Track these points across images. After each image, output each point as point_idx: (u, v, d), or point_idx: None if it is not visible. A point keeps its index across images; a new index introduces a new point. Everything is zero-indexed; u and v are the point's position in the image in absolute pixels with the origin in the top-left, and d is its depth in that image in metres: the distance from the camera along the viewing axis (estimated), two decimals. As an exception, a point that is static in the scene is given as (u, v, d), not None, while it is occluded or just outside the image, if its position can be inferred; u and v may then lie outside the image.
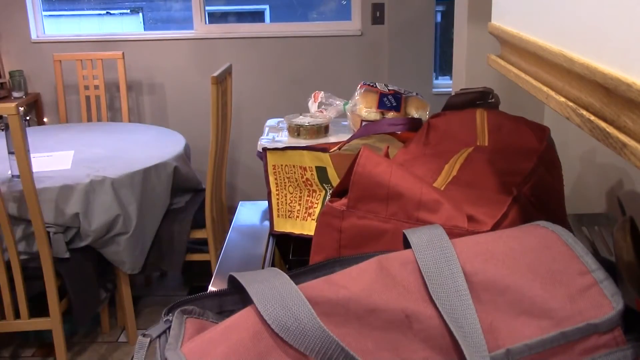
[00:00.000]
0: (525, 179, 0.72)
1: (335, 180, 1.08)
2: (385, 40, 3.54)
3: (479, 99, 0.94)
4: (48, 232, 2.11)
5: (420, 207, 0.67)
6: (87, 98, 3.52)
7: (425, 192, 0.66)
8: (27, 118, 3.58)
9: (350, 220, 0.70)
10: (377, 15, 3.52)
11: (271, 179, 1.16)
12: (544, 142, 0.80)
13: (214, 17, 4.23)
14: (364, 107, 1.59)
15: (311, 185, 1.13)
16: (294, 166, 1.13)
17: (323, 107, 1.69)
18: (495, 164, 0.75)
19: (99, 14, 4.40)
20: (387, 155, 0.79)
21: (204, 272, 3.18)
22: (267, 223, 1.27)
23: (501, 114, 0.90)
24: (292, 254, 1.22)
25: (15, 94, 3.52)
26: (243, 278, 0.55)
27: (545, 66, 0.61)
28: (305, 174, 1.12)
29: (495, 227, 0.65)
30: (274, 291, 0.52)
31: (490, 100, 0.96)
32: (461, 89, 0.97)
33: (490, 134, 0.82)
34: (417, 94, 1.63)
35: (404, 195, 0.66)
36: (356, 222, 0.70)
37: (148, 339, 0.54)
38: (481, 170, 0.74)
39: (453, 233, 0.65)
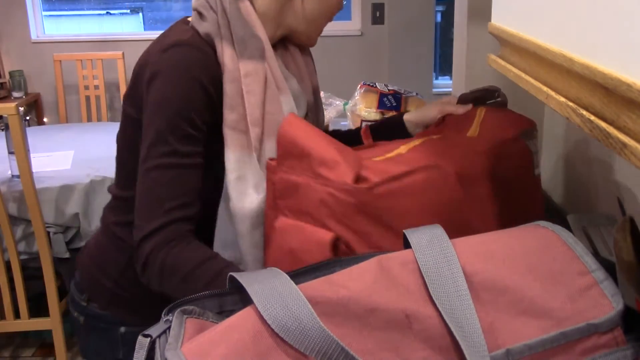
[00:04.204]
0: (453, 161, 0.80)
1: None
2: (385, 40, 3.54)
3: (485, 97, 0.99)
4: (48, 232, 2.11)
5: (321, 164, 0.78)
6: (87, 98, 3.52)
7: (327, 153, 0.78)
8: (27, 118, 3.58)
9: (279, 175, 0.83)
10: (377, 15, 3.53)
11: None
12: (517, 135, 0.88)
13: (214, 17, 4.22)
14: (364, 107, 1.59)
15: None
16: None
17: (323, 107, 1.69)
18: (444, 150, 0.83)
19: (99, 14, 4.40)
20: None
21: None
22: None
23: (499, 111, 0.95)
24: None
25: (15, 94, 3.52)
26: (243, 278, 0.56)
27: (545, 66, 0.61)
28: None
29: (375, 186, 0.75)
30: (274, 291, 0.52)
31: (497, 99, 1.00)
32: (470, 91, 1.04)
33: (481, 127, 0.91)
34: (417, 94, 1.63)
35: (311, 154, 0.79)
36: (282, 176, 0.83)
37: (148, 339, 0.54)
38: (424, 152, 0.83)
39: (341, 189, 0.76)
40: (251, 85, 0.91)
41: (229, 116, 0.90)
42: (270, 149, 0.92)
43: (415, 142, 0.88)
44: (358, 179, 0.76)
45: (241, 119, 0.90)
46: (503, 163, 0.84)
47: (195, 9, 0.94)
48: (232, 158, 0.90)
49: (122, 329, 1.00)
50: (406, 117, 1.13)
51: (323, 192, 0.76)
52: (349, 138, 1.09)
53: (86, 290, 1.03)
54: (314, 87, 1.07)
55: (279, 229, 0.81)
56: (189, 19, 0.96)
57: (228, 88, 0.90)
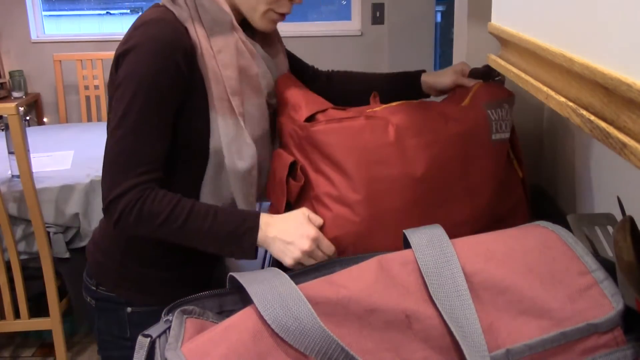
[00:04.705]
0: (404, 117, 1.01)
1: None
2: (385, 40, 3.54)
3: (490, 73, 1.14)
4: (48, 232, 2.11)
5: (292, 109, 1.04)
6: (87, 98, 3.52)
7: (296, 100, 1.04)
8: (27, 118, 3.58)
9: (279, 120, 1.09)
10: (377, 15, 3.52)
11: None
12: (478, 102, 1.06)
13: (214, 17, 4.22)
14: (364, 107, 1.59)
15: None
16: None
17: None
18: (406, 110, 1.03)
19: (99, 14, 4.40)
20: None
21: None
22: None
23: (490, 85, 1.10)
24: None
25: (15, 94, 3.52)
26: (243, 278, 0.56)
27: (545, 66, 0.61)
28: None
29: (317, 124, 0.98)
30: (274, 291, 0.52)
31: (499, 77, 1.13)
32: (480, 67, 1.17)
33: (471, 98, 1.08)
34: (417, 94, 1.62)
35: (288, 101, 1.06)
36: (277, 118, 1.10)
37: (148, 339, 0.54)
38: (391, 109, 1.03)
39: (298, 125, 1.00)
40: (225, 59, 0.99)
41: (215, 88, 0.98)
42: (251, 108, 1.03)
43: (396, 103, 1.07)
44: (311, 119, 1.00)
45: (225, 89, 0.99)
46: (454, 124, 1.02)
47: None
48: (222, 123, 0.99)
49: (129, 309, 1.07)
50: (424, 77, 1.23)
51: (290, 128, 1.03)
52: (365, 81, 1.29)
53: (94, 275, 1.10)
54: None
55: (273, 154, 1.09)
56: (162, 2, 1.02)
57: (209, 64, 0.97)
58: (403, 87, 1.26)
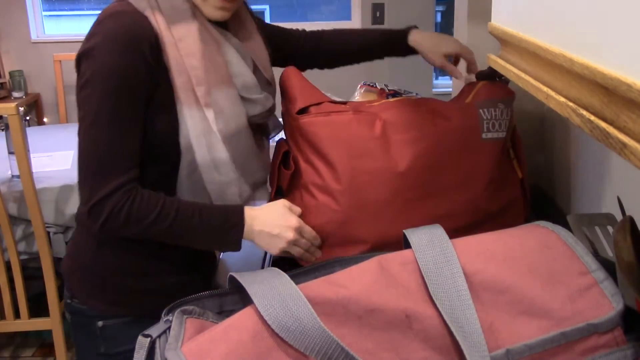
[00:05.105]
0: (395, 112, 1.05)
1: None
2: (385, 40, 3.54)
3: (495, 74, 1.16)
4: (48, 232, 2.11)
5: (289, 101, 1.06)
6: (87, 98, 3.51)
7: (293, 93, 1.06)
8: (27, 118, 3.58)
9: (282, 111, 1.11)
10: (377, 15, 3.52)
11: None
12: (471, 102, 1.09)
13: (214, 17, 4.22)
14: (364, 107, 1.59)
15: None
16: None
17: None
18: (398, 106, 1.07)
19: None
20: None
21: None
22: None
23: (493, 85, 1.12)
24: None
25: (15, 94, 3.51)
26: (243, 278, 0.56)
27: (545, 66, 0.61)
28: None
29: (307, 116, 1.03)
30: (274, 291, 0.52)
31: (503, 78, 1.14)
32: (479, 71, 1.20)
33: (473, 96, 1.10)
34: (417, 94, 1.63)
35: (287, 93, 1.08)
36: (282, 112, 1.12)
37: (148, 339, 0.54)
38: (385, 105, 1.07)
39: (291, 117, 1.04)
40: (187, 47, 0.94)
41: (179, 79, 0.93)
42: (220, 98, 0.97)
43: (394, 99, 1.11)
44: (303, 111, 1.04)
45: (189, 79, 0.94)
46: (442, 122, 1.05)
47: None
48: (189, 116, 0.94)
49: (100, 323, 1.03)
50: (416, 42, 1.22)
51: (286, 119, 1.07)
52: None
53: (69, 288, 1.06)
54: (261, 63, 1.08)
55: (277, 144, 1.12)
56: None
57: (171, 53, 0.93)
58: (390, 47, 1.27)
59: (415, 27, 1.26)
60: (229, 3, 0.98)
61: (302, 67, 1.24)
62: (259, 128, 1.09)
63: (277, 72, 1.13)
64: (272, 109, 1.09)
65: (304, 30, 1.31)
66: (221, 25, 1.02)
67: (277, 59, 1.19)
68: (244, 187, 1.03)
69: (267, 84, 1.09)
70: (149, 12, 0.93)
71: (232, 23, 1.06)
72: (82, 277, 1.04)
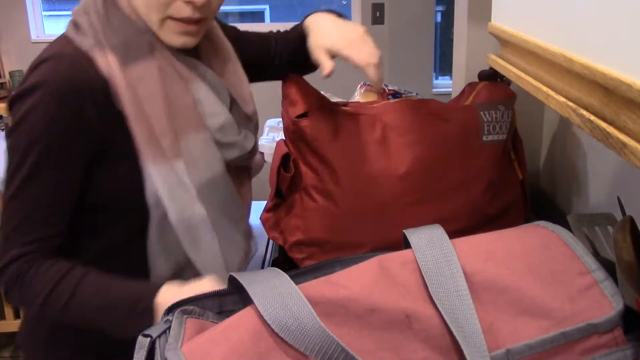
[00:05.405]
0: (393, 114, 1.04)
1: None
2: (385, 40, 3.54)
3: (498, 74, 1.15)
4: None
5: (290, 104, 1.04)
6: (87, 98, 3.52)
7: (294, 96, 1.04)
8: (27, 118, 3.58)
9: (282, 114, 1.09)
10: (377, 15, 3.52)
11: None
12: (471, 103, 1.08)
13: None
14: (364, 107, 1.59)
15: None
16: None
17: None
18: (396, 107, 1.06)
19: (99, 14, 4.39)
20: None
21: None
22: (267, 223, 1.27)
23: (493, 85, 1.11)
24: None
25: (15, 94, 3.52)
26: (243, 278, 0.56)
27: (545, 66, 0.61)
28: None
29: (305, 119, 1.02)
30: (274, 291, 0.52)
31: (504, 78, 1.13)
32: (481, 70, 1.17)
33: (473, 97, 1.10)
34: (417, 94, 1.63)
35: (288, 96, 1.05)
36: (281, 114, 1.09)
37: (148, 339, 0.54)
38: (385, 106, 1.06)
39: (291, 120, 1.03)
40: (146, 90, 0.80)
41: (139, 128, 0.79)
42: (191, 146, 0.83)
43: (395, 100, 1.11)
44: (303, 115, 1.03)
45: (151, 128, 0.80)
46: (442, 124, 1.04)
47: (72, 20, 0.84)
48: (154, 170, 0.80)
49: None
50: (309, 22, 1.02)
51: (288, 122, 1.05)
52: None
53: (21, 344, 0.96)
54: (240, 95, 0.92)
55: (276, 144, 1.12)
56: (65, 32, 0.85)
57: (127, 99, 0.79)
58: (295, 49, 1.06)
59: (336, 13, 1.04)
60: (193, 25, 0.82)
61: (276, 78, 1.10)
62: (239, 170, 0.95)
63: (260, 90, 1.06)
64: (253, 151, 0.95)
65: (274, 37, 1.12)
66: (191, 53, 0.88)
67: (252, 75, 1.02)
68: (236, 237, 0.90)
69: (246, 120, 0.94)
70: (96, 51, 0.79)
71: (205, 49, 0.91)
72: (22, 335, 0.93)
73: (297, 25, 1.09)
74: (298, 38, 1.04)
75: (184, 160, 0.82)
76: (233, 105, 0.92)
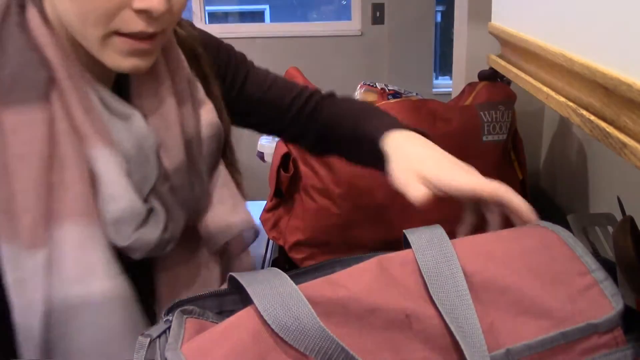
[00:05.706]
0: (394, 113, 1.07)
1: None
2: (385, 40, 3.54)
3: (498, 74, 1.16)
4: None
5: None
6: (87, 98, 3.51)
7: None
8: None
9: None
10: (377, 15, 3.52)
11: None
12: (471, 103, 1.09)
13: (214, 17, 4.24)
14: (364, 107, 1.59)
15: None
16: None
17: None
18: (395, 106, 1.06)
19: (99, 14, 4.39)
20: None
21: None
22: (267, 223, 1.27)
23: (493, 85, 1.11)
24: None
25: (15, 94, 3.51)
26: (243, 278, 0.56)
27: (545, 66, 0.61)
28: None
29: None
30: (274, 291, 0.52)
31: (504, 78, 1.14)
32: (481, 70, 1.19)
33: (473, 97, 1.11)
34: (417, 94, 1.63)
35: None
36: None
37: (148, 339, 0.54)
38: (391, 107, 1.06)
39: None
40: (22, 147, 0.57)
41: None
42: (64, 240, 0.58)
43: (394, 100, 1.12)
44: None
45: (11, 197, 0.57)
46: (442, 124, 1.05)
47: None
48: (6, 253, 0.58)
49: None
50: (396, 168, 0.76)
51: None
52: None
53: None
54: (186, 135, 0.68)
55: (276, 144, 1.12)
56: None
57: None
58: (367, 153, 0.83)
59: (423, 133, 0.81)
60: (147, 42, 0.59)
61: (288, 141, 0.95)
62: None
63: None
64: (171, 239, 0.67)
65: (309, 91, 0.88)
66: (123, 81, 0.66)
67: (252, 125, 0.86)
68: None
69: (163, 181, 0.66)
70: None
71: (140, 80, 0.66)
72: None
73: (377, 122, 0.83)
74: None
75: (46, 256, 0.58)
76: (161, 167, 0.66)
